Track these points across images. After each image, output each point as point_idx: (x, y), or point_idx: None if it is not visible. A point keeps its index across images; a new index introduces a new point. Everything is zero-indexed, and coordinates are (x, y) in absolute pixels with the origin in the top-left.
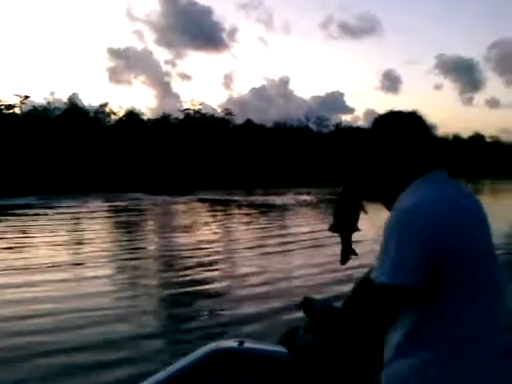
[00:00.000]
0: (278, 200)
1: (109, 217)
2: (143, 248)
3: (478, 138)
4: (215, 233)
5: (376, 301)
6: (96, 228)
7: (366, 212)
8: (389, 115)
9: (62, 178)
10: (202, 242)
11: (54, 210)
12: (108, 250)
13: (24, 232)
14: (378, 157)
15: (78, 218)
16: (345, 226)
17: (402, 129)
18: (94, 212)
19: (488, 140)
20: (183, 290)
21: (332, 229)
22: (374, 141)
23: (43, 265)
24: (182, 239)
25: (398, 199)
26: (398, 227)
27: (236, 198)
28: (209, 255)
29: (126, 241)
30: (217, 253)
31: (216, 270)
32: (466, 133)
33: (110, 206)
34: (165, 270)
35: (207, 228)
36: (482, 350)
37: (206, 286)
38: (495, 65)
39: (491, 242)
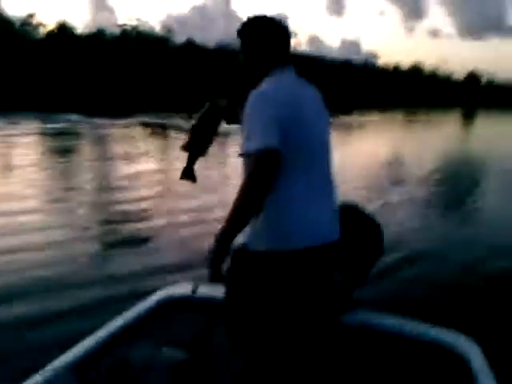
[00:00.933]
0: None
1: (40, 142)
2: (77, 179)
3: (417, 70)
4: (158, 162)
5: (257, 168)
6: (25, 154)
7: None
8: (254, 19)
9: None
10: (143, 172)
11: None
12: (38, 182)
13: None
14: (244, 54)
15: (5, 142)
16: (195, 147)
17: (261, 31)
18: (23, 135)
19: (426, 73)
20: (118, 227)
21: (184, 147)
22: (241, 41)
23: None
24: (122, 169)
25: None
26: (253, 106)
27: (178, 122)
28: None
29: (58, 171)
30: (156, 186)
31: (153, 206)
32: (406, 63)
33: (40, 129)
34: (100, 206)
35: (150, 156)
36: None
37: (142, 224)
38: None
39: (325, 129)
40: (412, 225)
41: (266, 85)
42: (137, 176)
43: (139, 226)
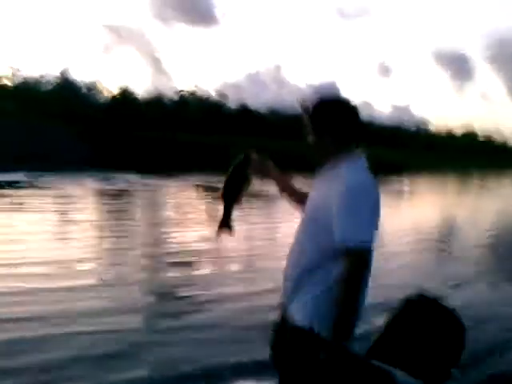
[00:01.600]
0: (274, 189)
1: (99, 200)
2: (131, 239)
3: (471, 135)
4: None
5: (363, 261)
6: (85, 212)
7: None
8: (328, 102)
9: (54, 152)
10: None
11: (43, 189)
12: (97, 240)
13: (18, 209)
14: (315, 134)
15: (68, 197)
16: (229, 195)
17: (335, 116)
18: (84, 194)
19: (480, 138)
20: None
21: (220, 196)
22: (312, 122)
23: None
24: (177, 233)
25: (339, 165)
26: (357, 197)
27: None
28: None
29: (115, 230)
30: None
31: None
32: (458, 126)
33: (101, 188)
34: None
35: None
36: None
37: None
38: (489, 57)
39: None
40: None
41: (356, 173)
42: (191, 242)
43: (192, 294)
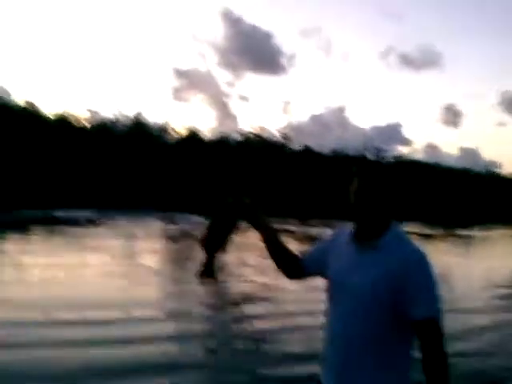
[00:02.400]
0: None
1: (166, 240)
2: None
3: None
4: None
5: (443, 332)
6: (152, 252)
7: (236, 233)
8: (381, 167)
9: (124, 192)
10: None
11: (112, 228)
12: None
13: (81, 249)
14: (360, 195)
15: (135, 237)
16: (212, 243)
17: (398, 181)
18: (150, 235)
19: None
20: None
21: (200, 243)
22: (360, 181)
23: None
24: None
25: (386, 236)
26: (432, 272)
27: (291, 227)
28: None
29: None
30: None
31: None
32: None
33: (167, 228)
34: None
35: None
36: None
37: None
38: None
39: None
40: None
41: (414, 245)
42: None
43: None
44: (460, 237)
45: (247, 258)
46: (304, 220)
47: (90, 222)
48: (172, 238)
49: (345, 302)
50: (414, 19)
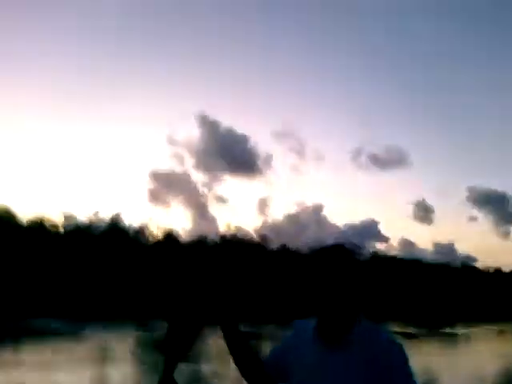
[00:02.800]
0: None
1: (139, 349)
2: None
3: None
4: None
5: None
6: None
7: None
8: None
9: (99, 300)
10: None
11: (82, 342)
12: None
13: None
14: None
15: (107, 351)
16: (172, 349)
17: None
18: (122, 346)
19: None
20: None
21: (160, 348)
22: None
23: None
24: None
25: (369, 329)
26: (407, 356)
27: (270, 331)
28: None
29: None
30: None
31: None
32: (506, 265)
33: (142, 336)
34: None
35: None
36: None
37: None
38: None
39: None
40: None
41: (388, 333)
42: None
43: None
44: (444, 335)
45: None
46: (285, 323)
47: (62, 334)
48: (146, 346)
49: None
50: (381, 122)
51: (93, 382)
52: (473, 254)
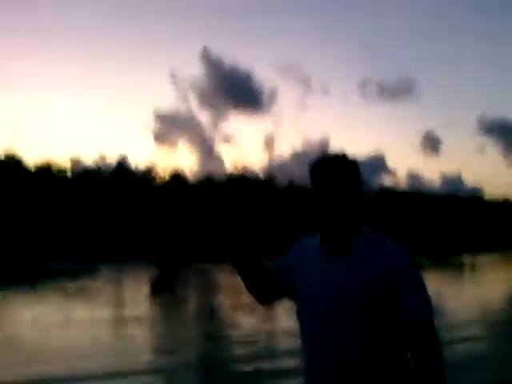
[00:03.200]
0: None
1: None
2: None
3: None
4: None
5: (436, 330)
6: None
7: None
8: (352, 161)
9: (111, 240)
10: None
11: (100, 280)
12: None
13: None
14: (354, 193)
15: (122, 287)
16: (169, 259)
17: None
18: (137, 282)
19: None
20: None
21: (157, 258)
22: (343, 179)
23: None
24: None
25: (372, 238)
26: (418, 268)
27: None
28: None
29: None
30: None
31: None
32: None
33: (154, 274)
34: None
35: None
36: None
37: None
38: None
39: None
40: None
41: (397, 245)
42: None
43: None
44: (451, 265)
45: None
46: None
47: (79, 273)
48: (157, 284)
49: (327, 322)
50: (390, 50)
51: (108, 318)
52: (480, 184)
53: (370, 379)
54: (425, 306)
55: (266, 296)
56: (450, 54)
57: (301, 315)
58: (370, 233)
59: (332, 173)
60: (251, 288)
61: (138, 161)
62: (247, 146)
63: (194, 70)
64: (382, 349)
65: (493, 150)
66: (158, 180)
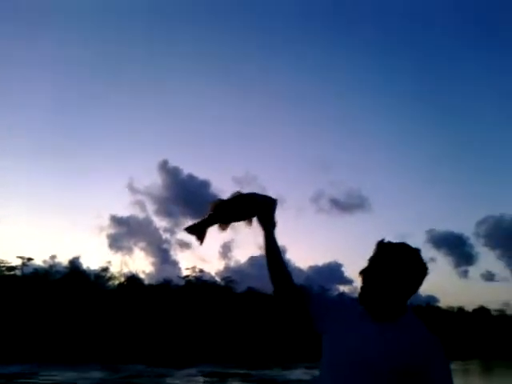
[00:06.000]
0: (290, 375)
1: None
2: None
3: (483, 311)
4: None
5: None
6: None
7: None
8: (414, 250)
9: (60, 344)
10: None
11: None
12: None
13: None
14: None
15: None
16: (220, 213)
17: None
18: None
19: (494, 313)
20: None
21: (211, 205)
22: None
23: None
24: None
25: (410, 317)
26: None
27: (242, 371)
28: None
29: None
30: None
31: None
32: (468, 304)
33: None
34: None
35: None
36: None
37: None
38: (485, 240)
39: None
40: None
41: (433, 334)
42: None
43: None
44: None
45: None
46: (255, 363)
47: (28, 377)
48: None
49: (357, 379)
50: (342, 168)
51: None
52: (435, 294)
53: None
54: None
55: (283, 287)
56: (400, 174)
57: (331, 369)
58: (415, 316)
59: (400, 258)
60: (273, 271)
61: (92, 264)
62: (203, 252)
63: (152, 179)
64: None
65: (443, 262)
66: (112, 282)
